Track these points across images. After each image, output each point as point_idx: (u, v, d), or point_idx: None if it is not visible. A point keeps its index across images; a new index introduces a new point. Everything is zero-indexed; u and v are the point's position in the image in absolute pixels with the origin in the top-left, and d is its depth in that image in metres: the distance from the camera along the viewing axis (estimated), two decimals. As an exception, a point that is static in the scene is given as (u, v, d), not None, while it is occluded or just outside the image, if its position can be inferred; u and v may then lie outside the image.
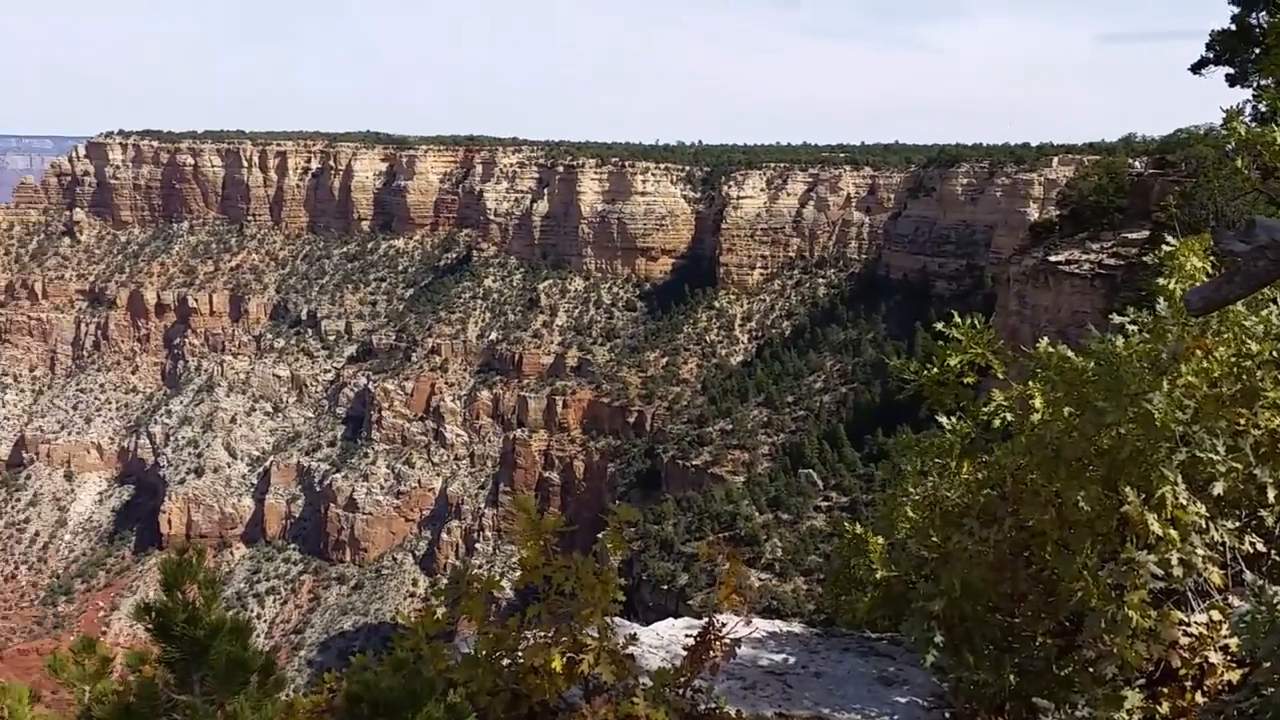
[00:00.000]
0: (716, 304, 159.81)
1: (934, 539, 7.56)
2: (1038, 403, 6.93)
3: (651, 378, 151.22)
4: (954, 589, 6.81)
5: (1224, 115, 7.98)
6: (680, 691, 6.46)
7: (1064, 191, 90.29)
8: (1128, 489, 6.18)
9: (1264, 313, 6.69)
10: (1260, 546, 6.34)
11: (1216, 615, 6.16)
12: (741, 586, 7.10)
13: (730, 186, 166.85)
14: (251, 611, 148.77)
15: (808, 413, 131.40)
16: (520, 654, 6.43)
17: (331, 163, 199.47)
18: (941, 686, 7.15)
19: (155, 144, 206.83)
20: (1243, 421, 6.40)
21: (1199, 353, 6.53)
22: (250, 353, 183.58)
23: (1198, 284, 6.86)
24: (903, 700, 7.51)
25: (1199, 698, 6.13)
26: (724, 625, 6.68)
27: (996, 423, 7.62)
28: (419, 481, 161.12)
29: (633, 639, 6.71)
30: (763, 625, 8.87)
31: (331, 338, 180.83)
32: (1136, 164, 75.71)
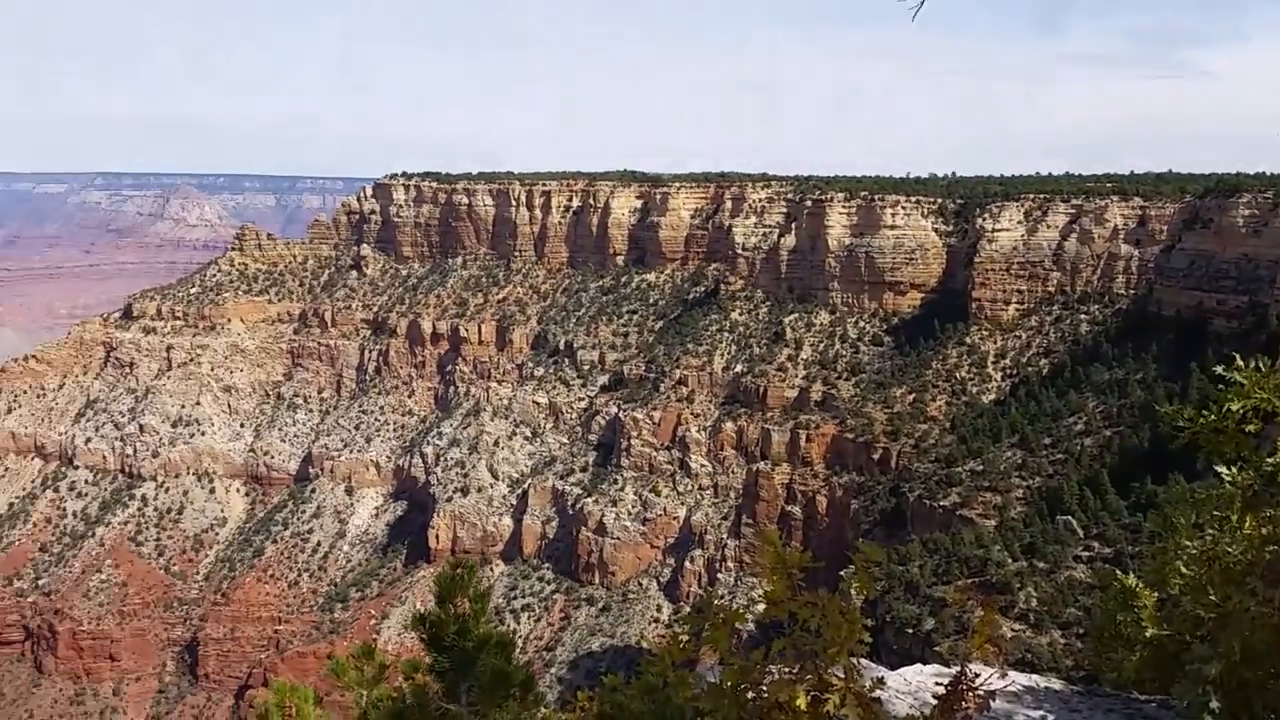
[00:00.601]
0: (968, 340, 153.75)
1: (1212, 598, 7.06)
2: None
3: (898, 414, 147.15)
4: (1233, 652, 6.33)
5: None
6: (930, 741, 6.32)
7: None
8: None
9: None
10: None
11: None
12: (994, 636, 6.87)
13: (985, 219, 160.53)
14: (508, 626, 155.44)
15: (1066, 456, 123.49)
16: (765, 689, 6.39)
17: (591, 201, 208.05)
18: (1216, 756, 6.63)
19: (434, 185, 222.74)
20: None
21: None
22: (513, 380, 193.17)
23: None
24: (1173, 769, 7.02)
25: None
26: (977, 676, 6.48)
27: (1284, 475, 7.01)
28: (664, 509, 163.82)
29: (880, 682, 6.56)
30: (1018, 679, 8.49)
31: (586, 367, 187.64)
32: None
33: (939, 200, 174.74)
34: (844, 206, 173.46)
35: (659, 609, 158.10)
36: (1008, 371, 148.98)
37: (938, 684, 6.74)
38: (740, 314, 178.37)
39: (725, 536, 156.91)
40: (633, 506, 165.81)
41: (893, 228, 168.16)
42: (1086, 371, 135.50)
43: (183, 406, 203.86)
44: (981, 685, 6.40)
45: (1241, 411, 7.31)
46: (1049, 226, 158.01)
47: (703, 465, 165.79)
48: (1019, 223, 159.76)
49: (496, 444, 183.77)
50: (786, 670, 6.37)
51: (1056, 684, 8.85)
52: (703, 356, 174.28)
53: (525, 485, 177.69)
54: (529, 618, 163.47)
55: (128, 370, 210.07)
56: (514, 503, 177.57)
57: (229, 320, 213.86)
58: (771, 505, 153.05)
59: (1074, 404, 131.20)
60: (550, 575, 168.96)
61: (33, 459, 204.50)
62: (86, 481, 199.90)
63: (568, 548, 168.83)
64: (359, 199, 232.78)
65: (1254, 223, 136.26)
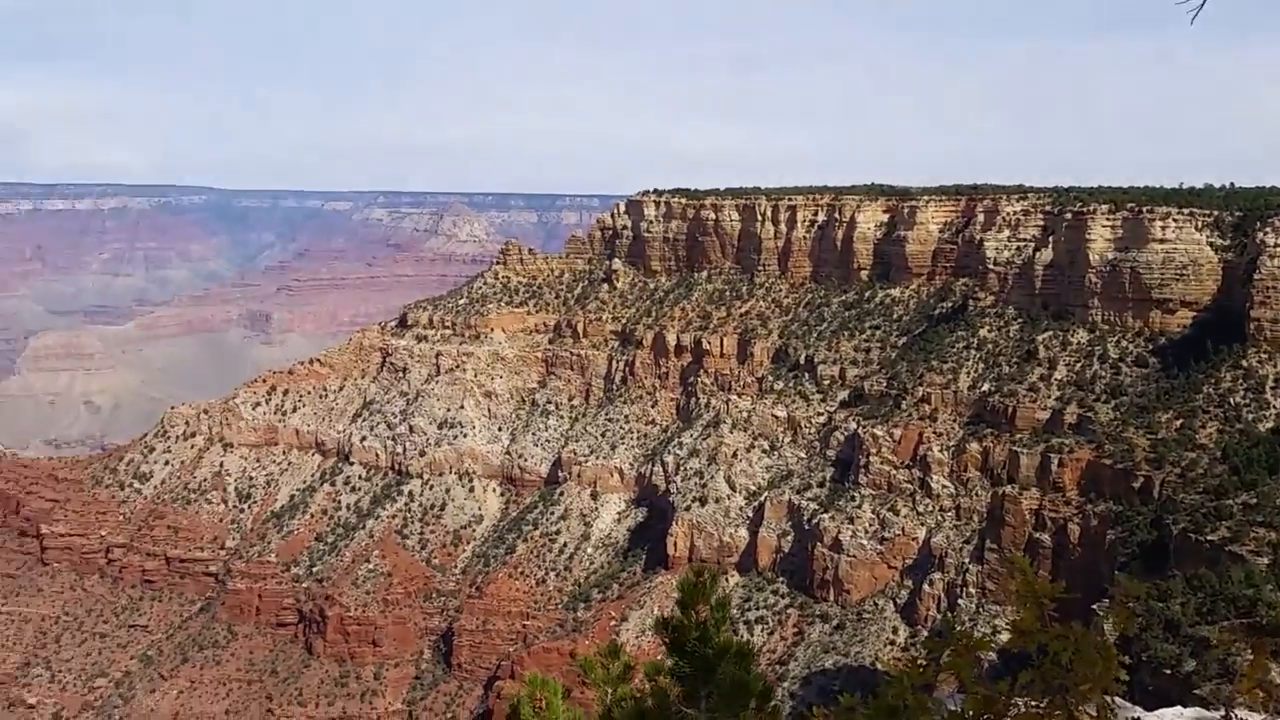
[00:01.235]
0: (1244, 363, 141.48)
1: None
2: None
3: (1162, 440, 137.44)
4: None
5: None
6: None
7: None
8: None
9: None
10: None
11: None
12: (1264, 681, 6.48)
13: (1267, 233, 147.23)
14: (741, 637, 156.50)
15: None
16: (1009, 720, 6.00)
17: (836, 215, 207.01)
18: None
19: (683, 201, 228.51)
20: None
21: None
22: (753, 393, 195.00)
23: None
24: None
25: None
26: (1243, 720, 5.79)
27: None
28: (903, 529, 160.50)
29: (1136, 723, 5.95)
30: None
31: (826, 382, 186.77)
32: None
33: (1215, 212, 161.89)
34: (1108, 219, 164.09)
35: (895, 630, 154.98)
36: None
37: (1197, 728, 6.04)
38: (989, 331, 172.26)
39: (967, 561, 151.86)
40: (870, 525, 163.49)
41: (1162, 241, 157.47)
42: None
43: (448, 410, 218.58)
44: (1250, 730, 5.71)
45: None
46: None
47: (944, 486, 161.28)
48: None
49: (735, 456, 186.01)
50: (1033, 704, 6.06)
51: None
52: (947, 374, 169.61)
53: (762, 498, 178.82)
54: (762, 630, 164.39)
55: (401, 375, 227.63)
56: (750, 515, 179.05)
57: (492, 330, 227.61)
58: (1018, 531, 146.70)
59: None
60: (784, 589, 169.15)
61: (313, 454, 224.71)
62: (360, 477, 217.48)
63: (802, 562, 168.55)
64: (612, 215, 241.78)
65: None
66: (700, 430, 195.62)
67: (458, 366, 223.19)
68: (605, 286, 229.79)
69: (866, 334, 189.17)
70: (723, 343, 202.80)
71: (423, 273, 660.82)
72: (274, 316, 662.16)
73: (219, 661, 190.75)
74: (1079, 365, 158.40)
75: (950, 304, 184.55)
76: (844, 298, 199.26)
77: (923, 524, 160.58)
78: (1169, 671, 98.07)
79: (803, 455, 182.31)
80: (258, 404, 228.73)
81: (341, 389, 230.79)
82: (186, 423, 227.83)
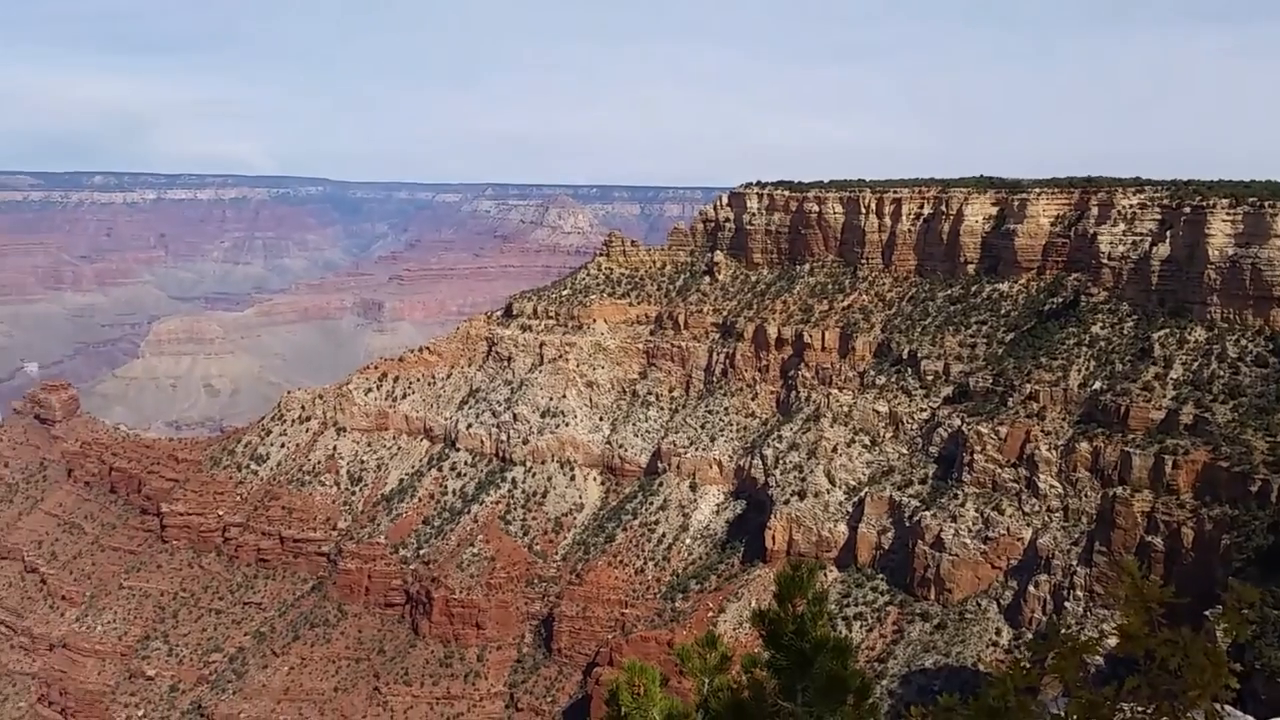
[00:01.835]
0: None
1: None
2: None
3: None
4: None
5: None
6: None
7: None
8: None
9: None
10: None
11: None
12: None
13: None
14: (839, 632, 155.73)
15: None
16: (1114, 725, 5.88)
17: (943, 208, 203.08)
18: None
19: (786, 193, 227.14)
20: None
21: None
22: (854, 388, 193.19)
23: None
24: None
25: None
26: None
27: None
28: (1008, 529, 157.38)
29: (1245, 731, 5.91)
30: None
31: (929, 377, 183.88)
32: None
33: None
34: (1228, 214, 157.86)
35: (998, 632, 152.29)
36: None
37: (1310, 737, 6.58)
38: (1102, 328, 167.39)
39: (1074, 563, 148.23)
40: (973, 524, 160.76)
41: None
42: None
43: (551, 399, 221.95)
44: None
45: None
46: None
47: (1052, 486, 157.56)
48: None
49: (835, 450, 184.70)
50: (1140, 709, 6.02)
51: None
52: (1057, 371, 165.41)
53: (862, 493, 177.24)
54: (860, 626, 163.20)
55: (506, 364, 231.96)
56: (850, 510, 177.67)
57: (594, 321, 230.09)
58: (1129, 534, 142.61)
59: None
60: (884, 586, 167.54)
61: (421, 440, 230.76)
62: (465, 463, 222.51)
63: (903, 560, 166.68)
64: (715, 207, 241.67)
65: None
66: (800, 424, 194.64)
67: (560, 356, 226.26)
68: (707, 278, 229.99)
69: (972, 329, 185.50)
70: (824, 336, 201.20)
71: (528, 263, 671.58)
72: (386, 305, 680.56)
73: (329, 639, 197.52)
74: (1196, 364, 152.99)
75: (1061, 299, 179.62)
76: (949, 292, 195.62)
77: (1029, 524, 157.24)
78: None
79: (904, 451, 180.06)
80: (369, 390, 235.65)
81: (449, 376, 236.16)
82: (302, 407, 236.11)
